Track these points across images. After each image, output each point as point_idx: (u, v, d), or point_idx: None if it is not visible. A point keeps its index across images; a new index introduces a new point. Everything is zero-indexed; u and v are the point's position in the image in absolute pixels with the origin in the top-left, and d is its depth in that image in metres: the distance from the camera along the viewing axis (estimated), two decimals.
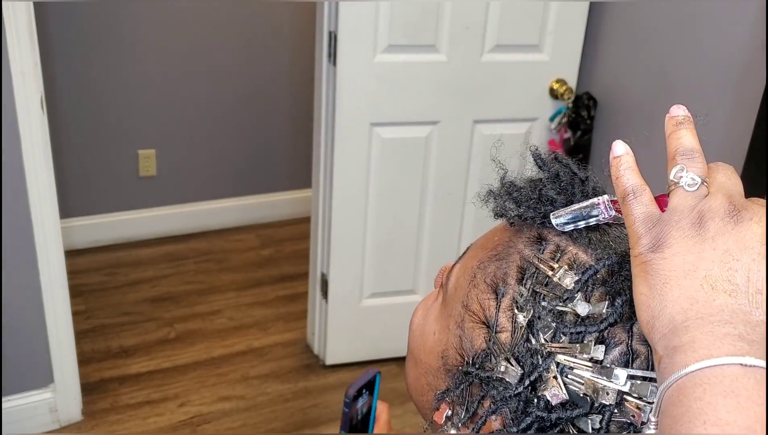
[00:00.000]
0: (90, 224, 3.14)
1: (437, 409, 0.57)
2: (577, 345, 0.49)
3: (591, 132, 2.34)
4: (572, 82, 2.30)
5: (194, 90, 3.12)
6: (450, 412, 0.55)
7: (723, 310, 0.41)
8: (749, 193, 0.46)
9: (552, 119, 2.33)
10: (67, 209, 2.88)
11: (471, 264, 0.58)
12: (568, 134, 2.36)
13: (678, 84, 2.08)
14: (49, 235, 1.98)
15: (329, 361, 2.50)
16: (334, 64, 2.09)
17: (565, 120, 2.32)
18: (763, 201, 0.45)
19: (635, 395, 0.47)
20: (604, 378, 0.47)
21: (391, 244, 2.37)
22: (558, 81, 2.28)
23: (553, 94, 2.29)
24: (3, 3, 1.73)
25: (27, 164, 1.89)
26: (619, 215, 0.51)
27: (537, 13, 2.19)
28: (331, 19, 2.07)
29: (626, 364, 0.49)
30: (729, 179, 0.46)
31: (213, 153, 3.27)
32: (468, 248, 0.61)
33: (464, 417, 0.54)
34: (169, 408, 2.30)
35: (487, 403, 0.52)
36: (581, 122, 2.31)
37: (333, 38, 2.07)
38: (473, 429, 0.53)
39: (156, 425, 2.23)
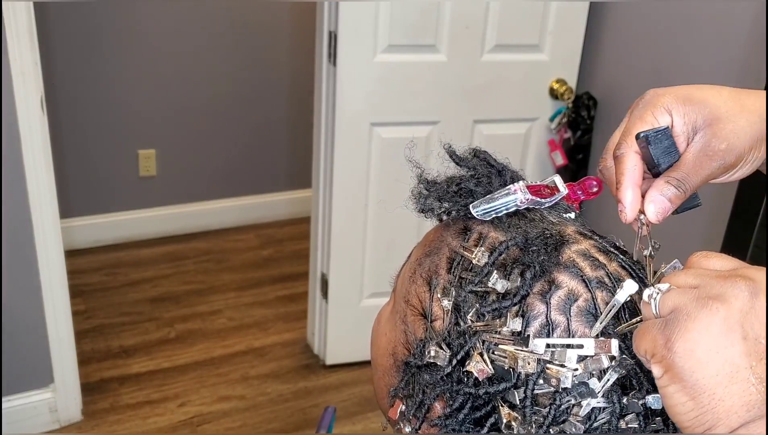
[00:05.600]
0: (90, 224, 3.14)
1: (392, 406, 0.58)
2: (497, 320, 0.50)
3: (591, 132, 2.34)
4: (572, 82, 2.30)
5: (194, 90, 3.12)
6: (403, 407, 0.57)
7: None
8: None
9: (552, 119, 2.33)
10: (67, 209, 2.88)
11: (411, 263, 0.62)
12: (568, 134, 2.36)
13: (678, 84, 2.07)
14: (49, 235, 1.98)
15: (329, 361, 2.50)
16: (334, 64, 2.09)
17: (565, 120, 2.32)
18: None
19: (557, 362, 0.48)
20: (524, 348, 0.49)
21: (391, 244, 2.37)
22: (558, 81, 2.28)
23: (553, 94, 2.29)
24: (3, 3, 1.73)
25: (27, 164, 1.89)
26: (536, 198, 0.55)
27: (537, 13, 2.19)
28: (331, 19, 2.07)
29: (547, 336, 0.50)
30: None
31: (213, 153, 3.27)
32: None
33: (412, 408, 0.55)
34: (169, 408, 2.30)
35: (429, 390, 0.54)
36: (581, 122, 2.31)
37: (333, 38, 2.07)
38: (419, 418, 0.54)
39: (156, 425, 2.23)
